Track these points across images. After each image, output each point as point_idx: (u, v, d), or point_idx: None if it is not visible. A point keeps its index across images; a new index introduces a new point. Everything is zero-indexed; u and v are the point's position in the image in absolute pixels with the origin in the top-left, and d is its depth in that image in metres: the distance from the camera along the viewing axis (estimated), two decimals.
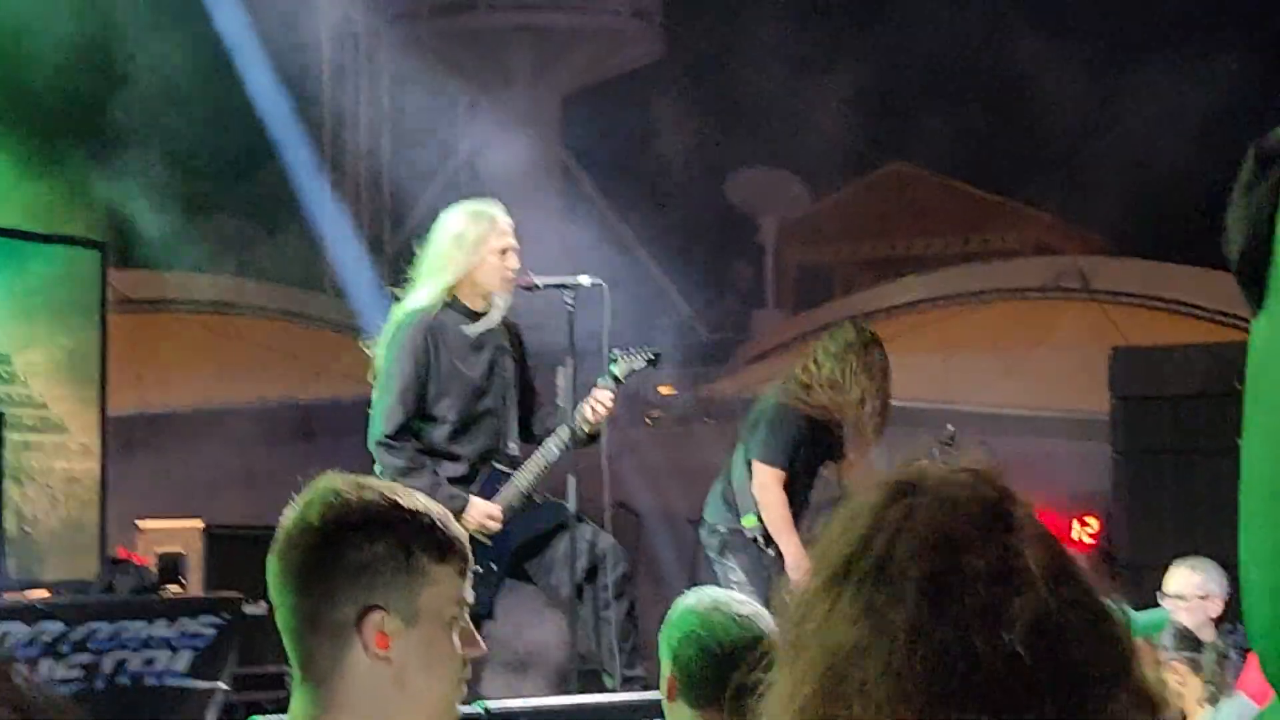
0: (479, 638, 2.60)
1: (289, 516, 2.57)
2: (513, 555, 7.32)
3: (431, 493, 6.89)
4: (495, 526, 7.16)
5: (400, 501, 2.54)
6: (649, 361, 7.50)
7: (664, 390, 16.87)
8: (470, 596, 2.58)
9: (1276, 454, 1.62)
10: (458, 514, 6.96)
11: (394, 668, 2.49)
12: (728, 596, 3.87)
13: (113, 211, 12.32)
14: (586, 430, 7.27)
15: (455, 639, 2.55)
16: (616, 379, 7.35)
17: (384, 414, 7.10)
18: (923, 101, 21.50)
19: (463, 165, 22.26)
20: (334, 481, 2.57)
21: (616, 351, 7.39)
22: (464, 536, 2.59)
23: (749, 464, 8.61)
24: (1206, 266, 15.69)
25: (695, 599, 3.82)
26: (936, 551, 1.45)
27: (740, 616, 3.72)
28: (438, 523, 2.54)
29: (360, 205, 20.67)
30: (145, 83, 15.57)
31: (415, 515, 2.53)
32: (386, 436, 7.08)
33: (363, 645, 2.48)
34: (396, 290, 7.31)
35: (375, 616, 2.48)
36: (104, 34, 14.54)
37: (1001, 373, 14.90)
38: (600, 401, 7.24)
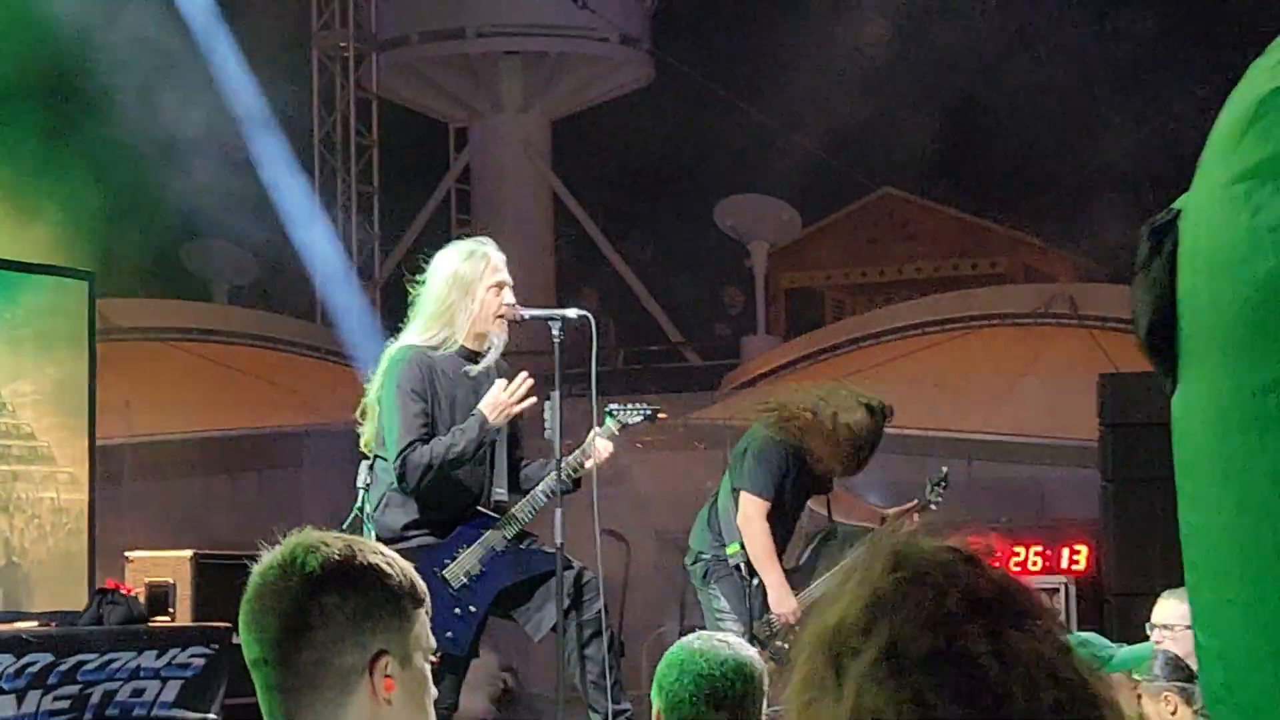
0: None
1: (271, 572, 2.58)
2: (496, 599, 7.32)
3: (465, 444, 6.94)
4: (515, 407, 7.14)
5: (377, 549, 2.63)
6: (646, 417, 7.51)
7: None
8: (433, 643, 2.67)
9: (1208, 520, 1.63)
10: (485, 424, 7.01)
11: (393, 710, 2.54)
12: (711, 635, 4.16)
13: (99, 240, 12.30)
14: (573, 477, 7.29)
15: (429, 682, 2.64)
16: (613, 433, 7.37)
17: (400, 430, 7.07)
18: (912, 126, 21.53)
19: (452, 191, 22.28)
20: (310, 537, 2.61)
21: (614, 407, 7.41)
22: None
23: (735, 492, 8.62)
24: None
25: (684, 639, 4.12)
26: (935, 635, 1.45)
27: (722, 652, 3.98)
28: (408, 571, 2.63)
29: (350, 231, 20.65)
30: (132, 110, 15.56)
31: (393, 564, 2.61)
32: (410, 444, 7.06)
33: (371, 689, 2.52)
34: (394, 324, 7.33)
35: (383, 661, 2.53)
36: (91, 68, 14.55)
37: (991, 399, 14.90)
38: (598, 452, 7.26)
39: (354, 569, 2.55)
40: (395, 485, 7.11)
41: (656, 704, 3.97)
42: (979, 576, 1.50)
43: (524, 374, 7.25)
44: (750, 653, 4.10)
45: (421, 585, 2.64)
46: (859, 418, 8.53)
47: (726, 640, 4.13)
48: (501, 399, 7.13)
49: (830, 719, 1.45)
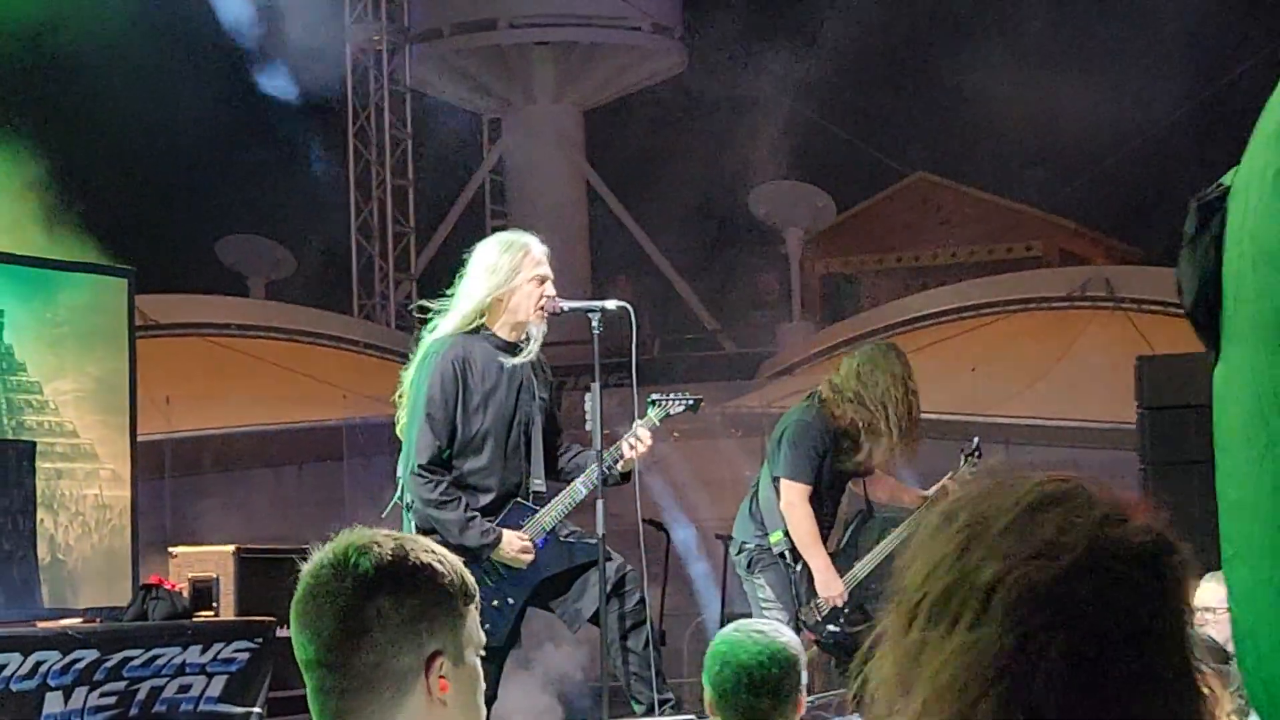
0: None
1: (323, 573, 2.57)
2: (535, 590, 7.32)
3: (465, 526, 6.98)
4: (529, 559, 7.16)
5: (429, 547, 2.60)
6: (688, 406, 7.51)
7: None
8: (483, 638, 2.66)
9: (1243, 496, 1.64)
10: (491, 550, 7.00)
11: (446, 711, 2.54)
12: (748, 623, 4.50)
13: (142, 238, 12.37)
14: (619, 470, 7.29)
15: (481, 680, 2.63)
16: (654, 424, 7.37)
17: (417, 444, 7.07)
18: (944, 111, 21.49)
19: (486, 182, 22.31)
20: (361, 536, 2.59)
21: (656, 396, 7.42)
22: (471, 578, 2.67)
23: (775, 480, 8.63)
24: None
25: (724, 631, 4.43)
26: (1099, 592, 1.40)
27: (759, 642, 4.29)
28: (459, 568, 2.61)
29: (385, 224, 20.70)
30: (171, 111, 15.64)
31: (444, 562, 2.59)
32: (421, 467, 7.05)
33: (426, 690, 2.52)
34: (428, 314, 7.30)
35: (438, 662, 2.53)
36: (131, 69, 14.61)
37: (1027, 383, 14.88)
38: (640, 442, 7.26)
39: (407, 569, 2.54)
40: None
41: (708, 694, 4.31)
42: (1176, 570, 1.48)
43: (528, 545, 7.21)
44: (786, 638, 4.39)
45: (472, 581, 2.62)
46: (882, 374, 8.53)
47: (762, 629, 4.42)
48: (521, 557, 7.14)
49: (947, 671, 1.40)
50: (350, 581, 2.54)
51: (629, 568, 7.38)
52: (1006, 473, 1.46)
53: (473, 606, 2.61)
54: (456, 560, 2.63)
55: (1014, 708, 1.35)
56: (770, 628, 4.44)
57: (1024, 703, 1.35)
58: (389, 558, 2.56)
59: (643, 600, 7.37)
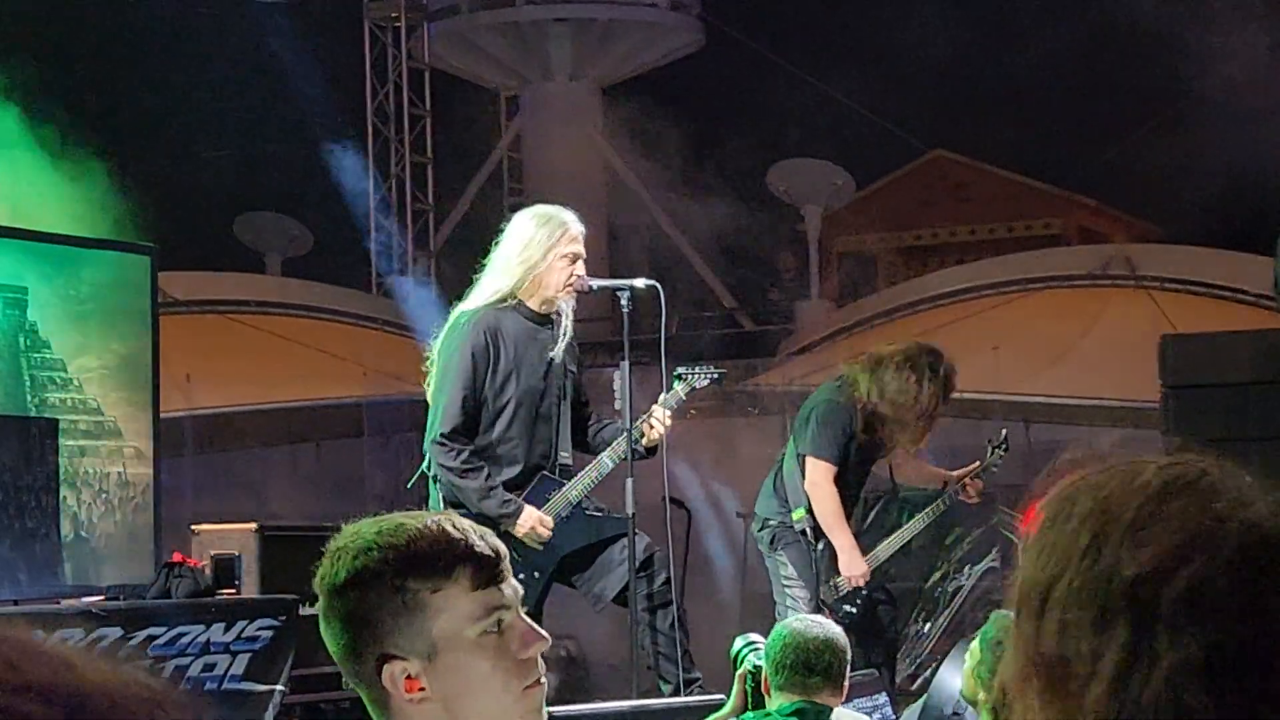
0: (539, 631, 2.53)
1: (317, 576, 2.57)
2: (560, 564, 7.31)
3: (485, 497, 6.97)
4: (546, 534, 7.14)
5: (392, 539, 2.47)
6: (713, 380, 7.51)
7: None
8: (503, 599, 2.49)
9: None
10: (510, 521, 6.98)
11: (438, 703, 2.47)
12: (806, 618, 5.61)
13: (160, 214, 12.35)
14: (645, 444, 7.27)
15: (493, 652, 2.48)
16: (680, 397, 7.36)
17: (443, 413, 7.07)
18: (964, 88, 21.44)
19: (504, 160, 22.29)
20: (341, 537, 2.53)
21: (682, 369, 7.41)
22: (473, 545, 2.48)
23: (800, 458, 8.62)
24: (1250, 251, 15.63)
25: (785, 621, 5.49)
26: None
27: (815, 630, 5.25)
28: (430, 548, 2.46)
29: (405, 202, 20.69)
30: (187, 84, 15.62)
31: (405, 548, 2.46)
32: (443, 435, 7.04)
33: (394, 693, 2.47)
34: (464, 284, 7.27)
35: (393, 667, 2.46)
36: (150, 42, 14.59)
37: (1049, 362, 14.84)
38: (665, 417, 7.25)
39: (351, 576, 2.48)
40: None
41: (765, 669, 5.20)
42: None
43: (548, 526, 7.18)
44: (837, 630, 5.34)
45: (462, 556, 2.48)
46: (922, 381, 8.52)
47: (819, 621, 5.43)
48: (539, 531, 7.10)
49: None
50: (321, 591, 2.53)
51: (656, 548, 7.38)
52: (1116, 460, 1.42)
53: (454, 588, 2.46)
54: (437, 541, 2.47)
55: (1174, 707, 1.30)
56: (825, 621, 5.46)
57: (1182, 703, 1.30)
58: (338, 567, 2.48)
59: (669, 580, 7.37)
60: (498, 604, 2.48)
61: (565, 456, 7.33)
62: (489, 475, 7.07)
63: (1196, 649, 1.29)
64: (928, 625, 13.41)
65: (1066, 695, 1.34)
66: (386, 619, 2.44)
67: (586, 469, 7.30)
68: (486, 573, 2.48)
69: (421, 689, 2.44)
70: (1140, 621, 1.32)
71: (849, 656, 5.30)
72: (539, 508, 7.17)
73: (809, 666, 5.12)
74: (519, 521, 7.03)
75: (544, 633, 2.55)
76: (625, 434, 7.20)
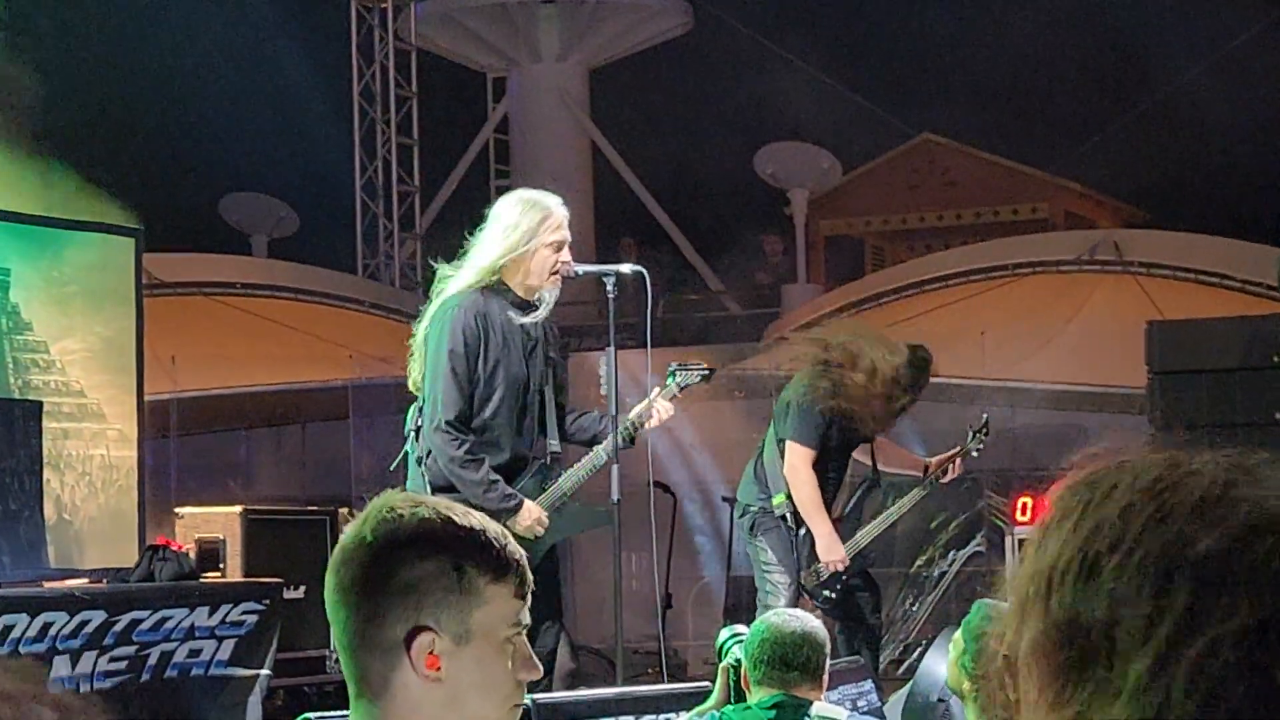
0: (536, 660, 2.59)
1: (346, 533, 2.57)
2: (546, 556, 7.30)
3: (486, 490, 6.92)
4: (542, 531, 7.12)
5: (455, 519, 2.52)
6: (704, 377, 7.50)
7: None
8: (527, 619, 2.56)
9: None
10: (511, 515, 6.93)
11: (445, 688, 2.48)
12: (784, 612, 5.72)
13: (144, 195, 12.31)
14: (631, 435, 7.26)
15: (509, 661, 2.53)
16: (674, 394, 7.35)
17: (443, 399, 6.99)
18: (952, 72, 21.43)
19: (491, 141, 22.24)
20: (391, 499, 2.55)
21: (675, 366, 7.39)
22: (522, 557, 2.56)
23: (780, 443, 8.64)
24: (1237, 237, 15.63)
25: (765, 616, 5.50)
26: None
27: (793, 625, 5.29)
28: (494, 541, 2.52)
29: (390, 183, 20.65)
30: (173, 65, 15.57)
31: (470, 533, 2.51)
32: (448, 424, 6.97)
33: (411, 665, 2.47)
34: (446, 269, 7.21)
35: (424, 638, 2.46)
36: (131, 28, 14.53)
37: (1035, 347, 14.83)
38: (659, 414, 7.24)
39: (413, 537, 2.49)
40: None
41: (744, 664, 5.25)
42: None
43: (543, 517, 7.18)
44: (815, 624, 5.37)
45: (515, 561, 2.56)
46: (897, 362, 8.54)
47: (798, 615, 5.51)
48: (537, 529, 7.08)
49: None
50: (359, 545, 2.51)
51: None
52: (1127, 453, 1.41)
53: (504, 588, 2.51)
54: (499, 538, 2.54)
55: (1237, 670, 1.30)
56: (803, 615, 5.52)
57: (1243, 666, 1.30)
58: (395, 528, 2.51)
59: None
60: (522, 620, 2.55)
61: (554, 444, 7.30)
62: (490, 468, 7.03)
63: (1258, 617, 1.29)
64: (915, 606, 13.44)
65: (1099, 667, 1.34)
66: (437, 591, 2.46)
67: (582, 461, 7.26)
68: (525, 588, 2.56)
69: (438, 670, 2.46)
70: (1203, 591, 1.31)
71: (828, 650, 5.31)
72: (534, 498, 7.14)
73: (786, 662, 5.17)
74: (518, 517, 6.99)
75: (539, 664, 2.61)
76: (612, 420, 7.17)
